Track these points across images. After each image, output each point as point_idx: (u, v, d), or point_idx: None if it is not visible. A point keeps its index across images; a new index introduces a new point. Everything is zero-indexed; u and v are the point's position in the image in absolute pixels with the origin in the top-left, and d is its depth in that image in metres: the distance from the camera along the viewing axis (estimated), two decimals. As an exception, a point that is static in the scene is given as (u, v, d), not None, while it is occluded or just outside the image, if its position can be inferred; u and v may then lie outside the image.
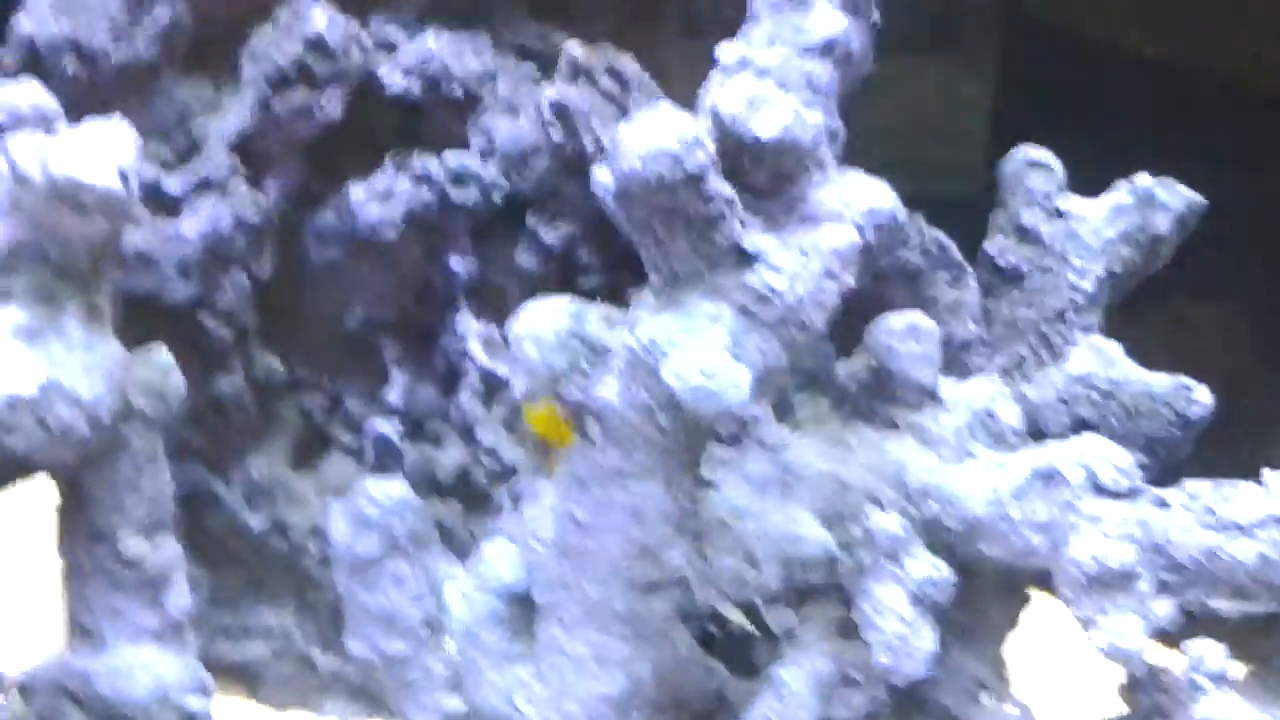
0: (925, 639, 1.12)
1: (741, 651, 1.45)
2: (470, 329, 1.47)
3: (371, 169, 1.46)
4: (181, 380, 1.19)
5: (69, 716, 1.20)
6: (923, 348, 1.18)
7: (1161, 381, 1.19)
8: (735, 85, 1.05)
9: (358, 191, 1.45)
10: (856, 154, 1.17)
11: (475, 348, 1.47)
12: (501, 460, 1.47)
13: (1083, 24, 1.93)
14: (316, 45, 1.39)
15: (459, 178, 1.44)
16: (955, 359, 1.38)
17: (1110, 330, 1.25)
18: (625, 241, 1.35)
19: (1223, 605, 1.08)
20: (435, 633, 1.22)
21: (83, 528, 1.19)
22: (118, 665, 1.19)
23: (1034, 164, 1.25)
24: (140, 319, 1.41)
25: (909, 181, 1.14)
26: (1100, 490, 1.10)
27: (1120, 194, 1.24)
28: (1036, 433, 1.20)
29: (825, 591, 1.18)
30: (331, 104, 1.42)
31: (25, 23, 1.37)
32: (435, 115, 1.46)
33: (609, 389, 1.08)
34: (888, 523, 1.15)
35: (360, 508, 1.20)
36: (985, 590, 1.21)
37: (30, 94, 1.11)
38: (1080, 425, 1.20)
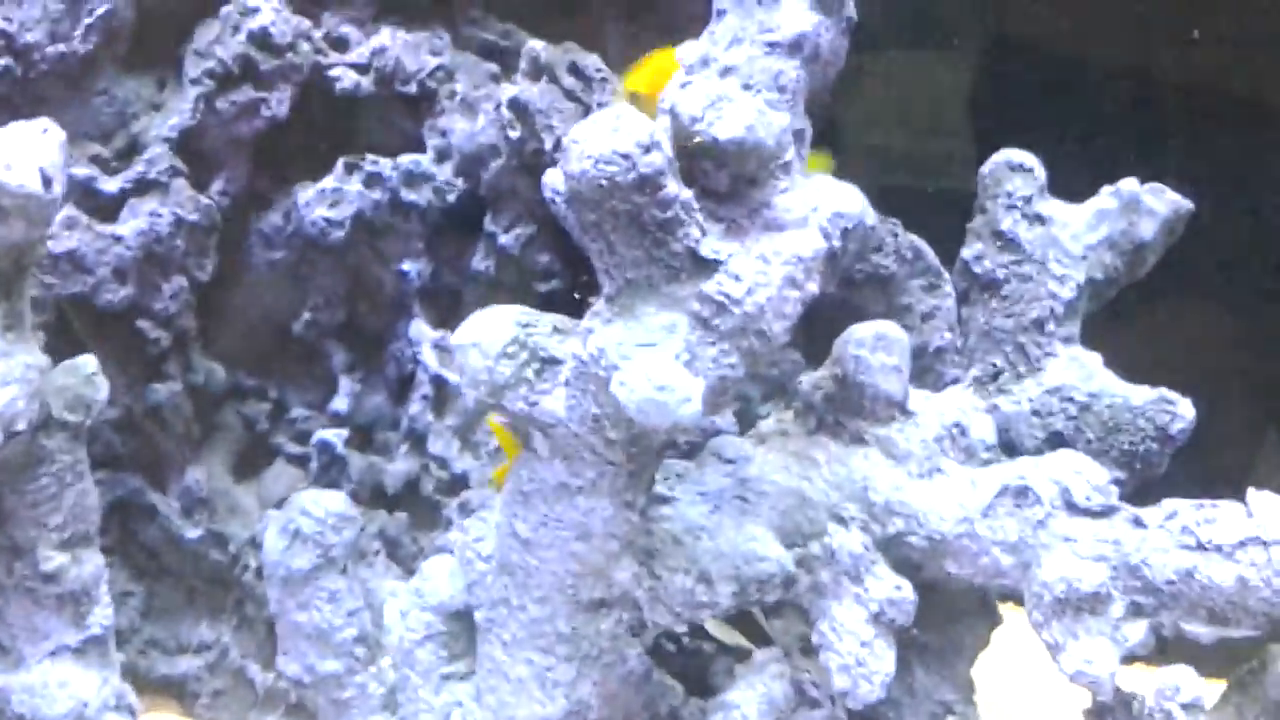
0: (884, 661, 1.07)
1: (700, 668, 1.40)
2: (423, 334, 1.42)
3: (321, 169, 1.41)
4: (106, 388, 1.14)
5: (-21, 734, 1.14)
6: (892, 359, 1.12)
7: (1142, 394, 1.14)
8: (696, 85, 0.99)
9: (306, 192, 1.40)
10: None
11: (428, 354, 1.42)
12: (452, 471, 1.42)
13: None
14: (262, 40, 1.34)
15: (411, 178, 1.39)
16: (929, 368, 1.34)
17: (1092, 331, 1.20)
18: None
19: (1199, 630, 1.03)
20: (371, 651, 1.17)
21: (2, 541, 1.13)
22: (35, 683, 1.14)
23: (1015, 167, 1.19)
24: (74, 324, 1.36)
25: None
26: (1073, 508, 1.06)
27: (1104, 198, 1.18)
28: (1010, 447, 1.15)
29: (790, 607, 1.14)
30: (278, 102, 1.37)
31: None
32: (389, 114, 1.40)
33: (556, 401, 1.02)
34: (849, 540, 1.09)
35: (294, 520, 1.14)
36: (953, 610, 1.17)
37: None
38: (1056, 440, 1.15)
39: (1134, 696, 1.06)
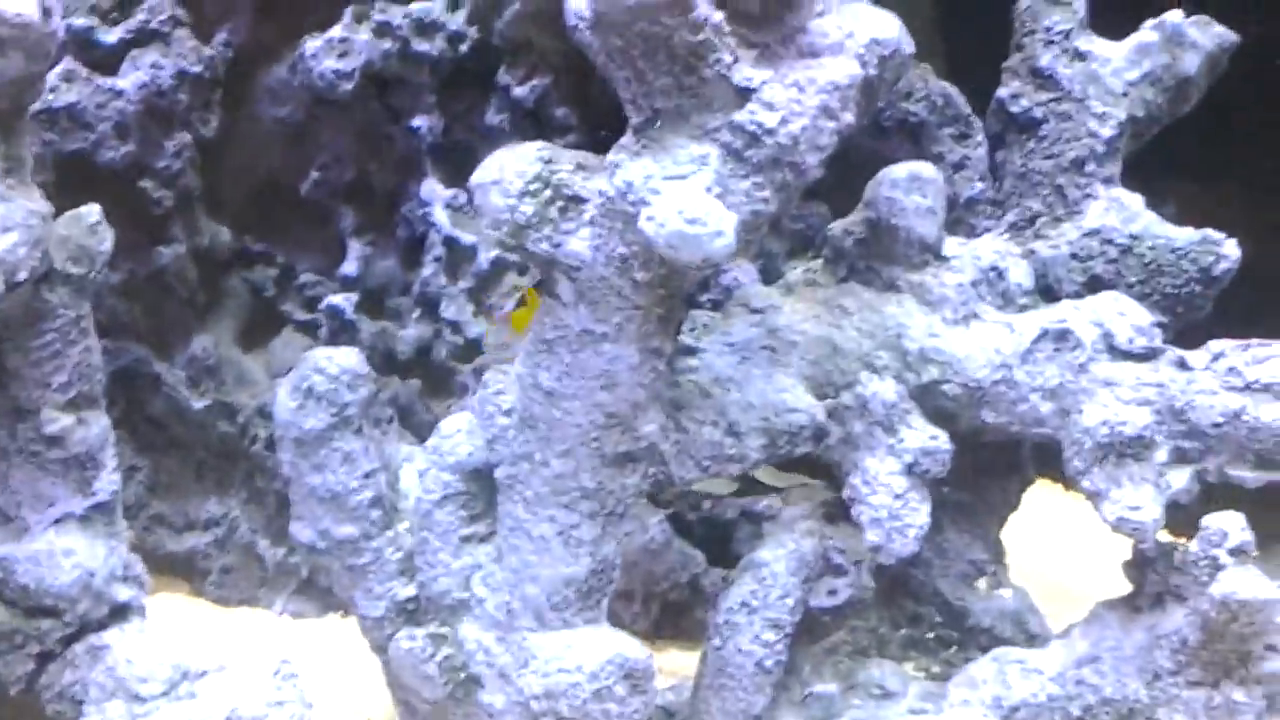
0: (918, 514, 1.04)
1: (721, 538, 1.37)
2: (435, 194, 1.37)
3: (328, 20, 1.36)
4: (110, 238, 1.09)
5: (-13, 605, 1.11)
6: (926, 200, 1.08)
7: (1185, 235, 1.10)
8: (728, -97, 0.94)
9: (313, 43, 1.34)
10: None
11: (440, 214, 1.37)
12: (466, 335, 1.37)
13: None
14: (263, -120, 1.29)
15: (422, 27, 1.33)
16: (960, 219, 1.29)
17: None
18: (604, 96, 1.25)
19: (1244, 475, 1.00)
20: (388, 515, 1.12)
21: (2, 401, 1.09)
22: (40, 552, 1.10)
23: (1050, 1, 1.14)
24: (72, 183, 1.32)
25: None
26: (1115, 351, 1.02)
27: (1145, 32, 1.13)
28: (1048, 292, 1.11)
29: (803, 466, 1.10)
30: (284, -53, 1.32)
31: None
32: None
33: (581, 241, 0.98)
34: (882, 389, 1.05)
35: (306, 378, 1.09)
36: (985, 467, 1.13)
37: None
38: (1095, 284, 1.10)
39: (1175, 546, 1.02)
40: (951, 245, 1.10)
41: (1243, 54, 1.16)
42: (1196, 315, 1.10)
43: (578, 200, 0.98)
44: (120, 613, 1.12)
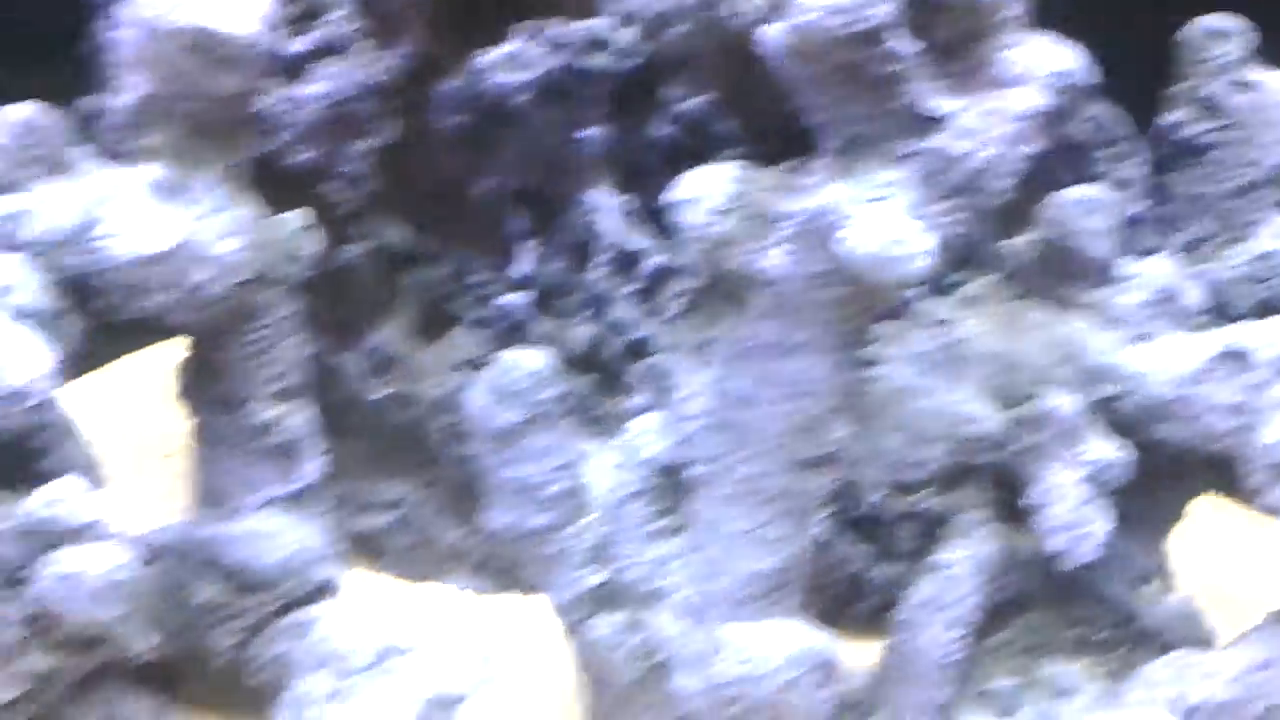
0: (1098, 523, 1.09)
1: (886, 535, 1.41)
2: (603, 200, 1.43)
3: (502, 34, 1.41)
4: (315, 242, 1.16)
5: (196, 582, 1.17)
6: (1101, 222, 1.13)
7: (1362, 260, 1.14)
8: (926, -64, 0.99)
9: (489, 57, 1.40)
10: None
11: (608, 220, 1.42)
12: (633, 336, 1.43)
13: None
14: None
15: (593, 43, 1.39)
16: (1124, 238, 1.33)
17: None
18: (768, 111, 1.30)
19: None
20: (576, 506, 1.19)
21: (216, 393, 1.17)
22: (249, 532, 1.17)
23: (1216, 33, 1.18)
24: (260, 185, 1.38)
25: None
26: (1293, 372, 1.06)
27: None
28: (1220, 314, 1.15)
29: (981, 474, 1.15)
30: (465, -36, 1.37)
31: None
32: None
33: (777, 258, 1.03)
34: (1064, 403, 1.10)
35: (502, 377, 1.15)
36: (1157, 477, 1.17)
37: None
38: (1267, 307, 1.15)
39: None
40: (1125, 264, 1.14)
41: None
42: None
43: (774, 219, 1.03)
44: (322, 590, 1.19)
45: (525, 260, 1.47)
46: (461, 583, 1.50)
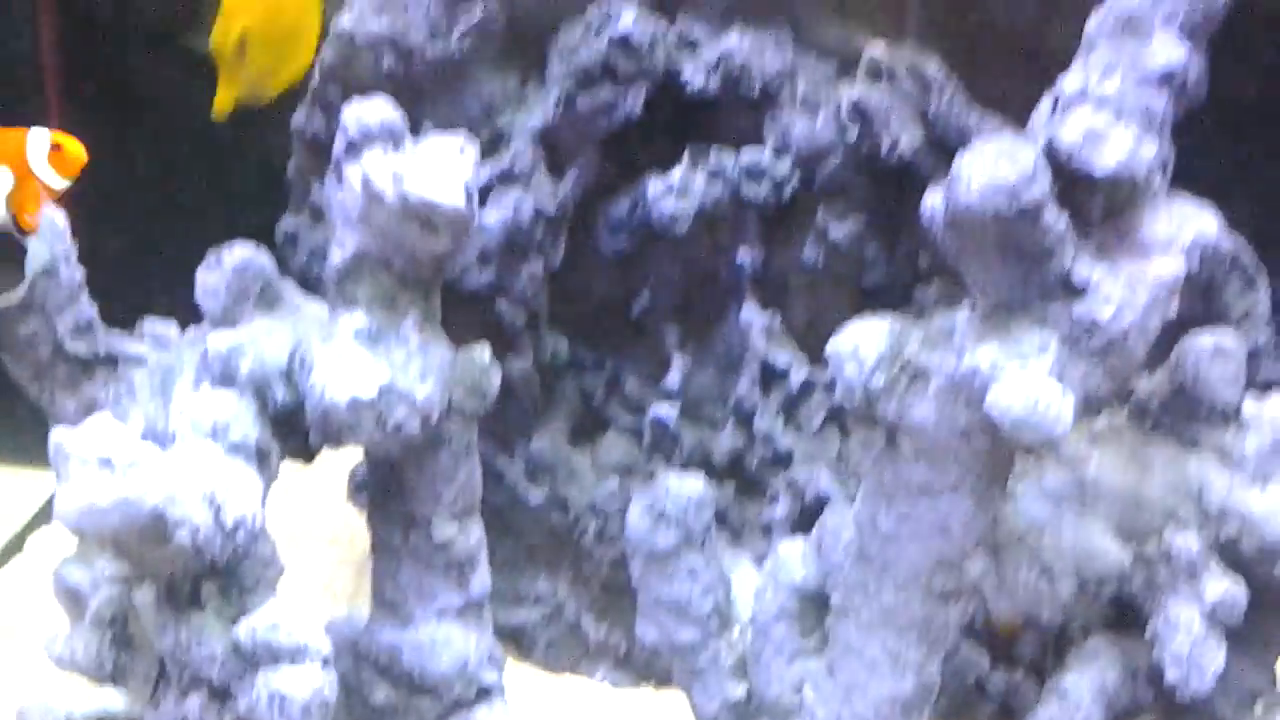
0: (1215, 657, 1.15)
1: (1004, 644, 1.48)
2: (753, 318, 1.51)
3: (666, 162, 1.50)
4: (498, 378, 1.24)
5: (371, 684, 1.27)
6: (1229, 369, 1.19)
7: None
8: (1075, 118, 1.06)
9: (655, 185, 1.49)
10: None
11: (757, 337, 1.51)
12: (777, 447, 1.51)
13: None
14: (623, 44, 1.42)
15: (752, 173, 1.47)
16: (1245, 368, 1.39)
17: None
18: (912, 241, 1.38)
19: None
20: (723, 622, 1.27)
21: (399, 512, 1.25)
22: (423, 640, 1.26)
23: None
24: (440, 303, 1.48)
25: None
26: None
27: None
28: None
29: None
30: (633, 100, 1.45)
31: (345, 19, 1.43)
32: (732, 112, 1.48)
33: (926, 409, 1.11)
34: (1186, 541, 1.16)
35: (659, 502, 1.24)
36: (1268, 604, 1.23)
37: (379, 110, 1.14)
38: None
39: None
40: (1249, 405, 1.20)
41: None
42: None
43: (924, 374, 1.11)
44: (485, 693, 1.28)
45: (676, 372, 1.56)
46: (605, 676, 1.60)
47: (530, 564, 1.60)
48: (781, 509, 1.52)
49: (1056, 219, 1.04)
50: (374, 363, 1.14)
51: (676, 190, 1.48)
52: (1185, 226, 1.09)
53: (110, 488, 1.00)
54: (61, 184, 1.28)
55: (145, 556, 1.06)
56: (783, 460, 1.52)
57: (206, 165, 2.01)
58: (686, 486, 1.25)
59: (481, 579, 1.28)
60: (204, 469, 1.08)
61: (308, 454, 1.27)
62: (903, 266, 1.48)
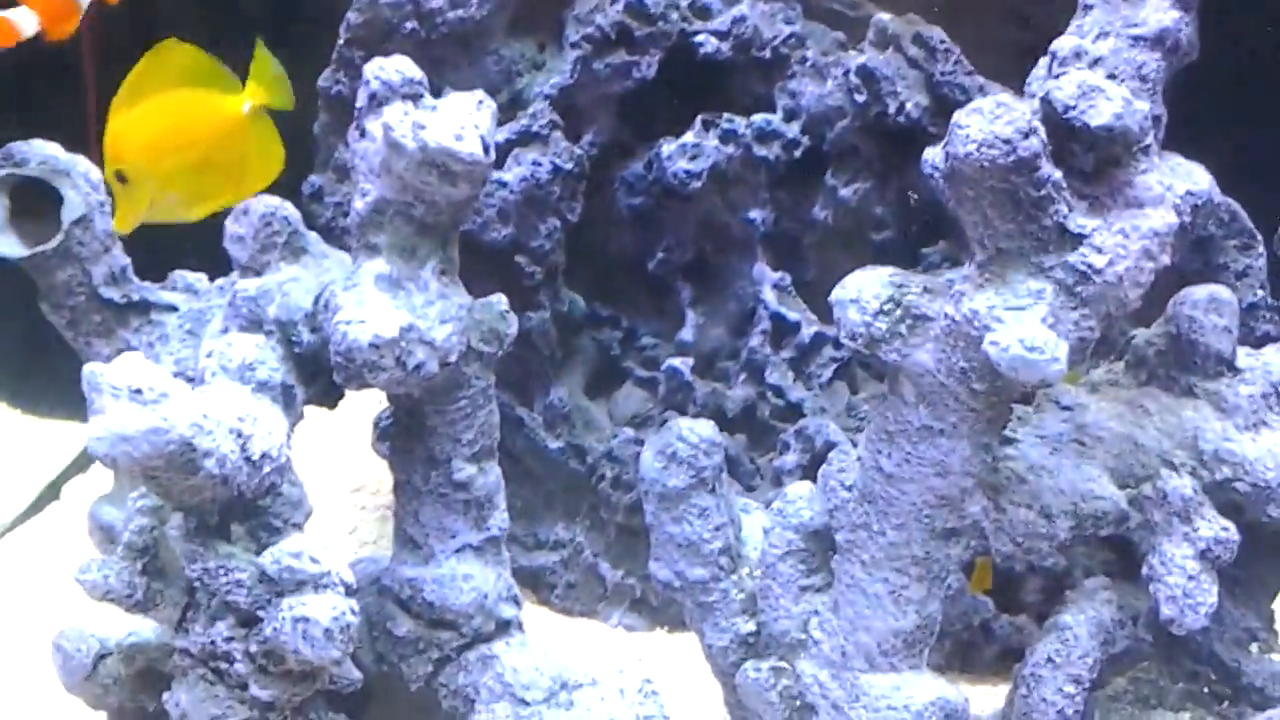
0: (1209, 594, 1.19)
1: (1013, 586, 1.53)
2: (764, 275, 1.56)
3: (680, 125, 1.55)
4: (515, 324, 1.28)
5: (395, 617, 1.32)
6: (1223, 320, 1.23)
7: None
8: (1070, 76, 1.10)
9: (669, 146, 1.54)
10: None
11: (768, 293, 1.56)
12: (787, 399, 1.56)
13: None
14: (637, 9, 1.47)
15: (763, 135, 1.52)
16: (1242, 323, 1.43)
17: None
18: (919, 201, 1.42)
19: None
20: (733, 561, 1.32)
21: (420, 452, 1.30)
22: (443, 575, 1.30)
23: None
24: (461, 258, 1.53)
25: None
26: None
27: None
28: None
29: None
30: (647, 64, 1.50)
31: (371, -15, 1.48)
32: (744, 76, 1.53)
33: (926, 354, 1.15)
34: (1180, 484, 1.21)
35: (671, 444, 1.29)
36: (1262, 549, 1.27)
37: (401, 66, 1.18)
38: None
39: None
40: (1244, 356, 1.24)
41: None
42: None
43: (924, 319, 1.15)
44: (504, 627, 1.32)
45: (691, 326, 1.61)
46: (619, 619, 1.65)
47: (548, 511, 1.65)
48: (792, 458, 1.56)
49: (1051, 171, 1.08)
50: (395, 306, 1.19)
51: (690, 151, 1.52)
52: (1177, 181, 1.14)
53: (140, 417, 1.04)
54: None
55: (174, 487, 1.10)
56: (793, 412, 1.57)
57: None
58: (698, 429, 1.29)
59: (500, 518, 1.32)
60: (231, 404, 1.13)
61: (331, 400, 1.32)
62: (909, 225, 1.53)
